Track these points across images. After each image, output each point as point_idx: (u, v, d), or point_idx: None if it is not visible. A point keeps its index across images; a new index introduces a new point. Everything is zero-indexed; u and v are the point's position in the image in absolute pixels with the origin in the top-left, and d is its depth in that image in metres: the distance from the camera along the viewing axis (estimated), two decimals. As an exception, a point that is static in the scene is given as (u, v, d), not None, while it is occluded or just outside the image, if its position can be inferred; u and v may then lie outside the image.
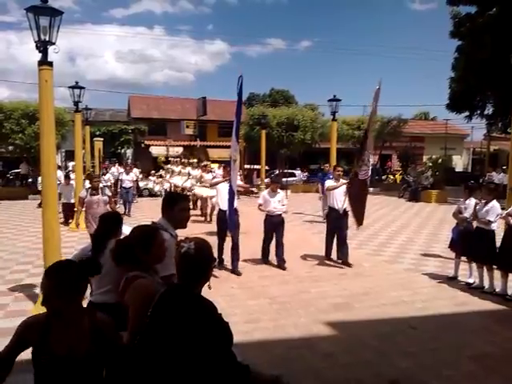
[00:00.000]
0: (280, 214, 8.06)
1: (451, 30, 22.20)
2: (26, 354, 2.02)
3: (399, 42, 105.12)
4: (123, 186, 15.53)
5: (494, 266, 6.64)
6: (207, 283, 2.12)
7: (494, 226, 6.60)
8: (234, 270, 7.65)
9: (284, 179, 24.42)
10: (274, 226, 8.04)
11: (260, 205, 8.20)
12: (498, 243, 6.61)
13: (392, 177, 31.45)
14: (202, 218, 13.71)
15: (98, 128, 29.24)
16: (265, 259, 8.31)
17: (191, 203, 18.59)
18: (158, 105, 35.45)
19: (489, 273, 6.68)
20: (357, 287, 6.94)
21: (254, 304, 6.12)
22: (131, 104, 35.13)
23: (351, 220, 8.14)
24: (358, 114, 32.01)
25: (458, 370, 4.27)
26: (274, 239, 8.16)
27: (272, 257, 8.27)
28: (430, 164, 23.32)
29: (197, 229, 10.50)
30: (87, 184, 12.57)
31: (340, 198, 8.17)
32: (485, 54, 19.07)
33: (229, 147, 33.00)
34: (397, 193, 21.85)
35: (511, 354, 4.63)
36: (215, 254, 6.39)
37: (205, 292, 6.60)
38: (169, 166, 20.02)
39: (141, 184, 20.91)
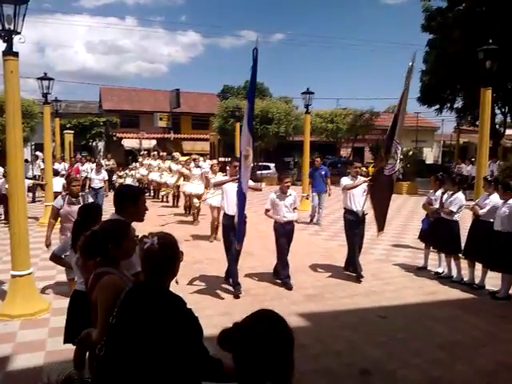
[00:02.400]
0: (291, 221, 6.68)
1: (422, 23, 22.56)
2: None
3: (372, 35, 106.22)
4: (92, 186, 13.23)
5: (461, 256, 6.84)
6: (174, 279, 2.09)
7: (456, 217, 6.79)
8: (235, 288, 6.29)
9: (259, 172, 24.49)
10: (286, 235, 6.63)
11: (267, 210, 6.74)
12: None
13: (365, 169, 31.87)
14: (188, 218, 12.57)
15: (69, 120, 28.58)
16: (277, 278, 6.83)
17: (152, 194, 18.02)
18: (131, 97, 34.90)
19: (456, 262, 6.87)
20: (329, 278, 7.03)
21: (227, 297, 6.14)
22: (103, 96, 34.45)
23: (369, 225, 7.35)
24: (331, 106, 32.22)
25: (426, 358, 4.39)
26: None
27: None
28: (401, 156, 23.68)
29: (186, 231, 10.41)
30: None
31: (359, 199, 6.97)
32: (454, 48, 19.46)
33: (202, 140, 32.48)
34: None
35: (478, 342, 4.79)
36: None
37: (181, 285, 6.56)
38: (146, 160, 18.70)
39: (114, 177, 20.30)
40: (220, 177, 11.91)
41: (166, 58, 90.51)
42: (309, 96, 14.76)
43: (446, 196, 6.98)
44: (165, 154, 18.16)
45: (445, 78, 21.83)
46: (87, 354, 3.25)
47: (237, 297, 6.09)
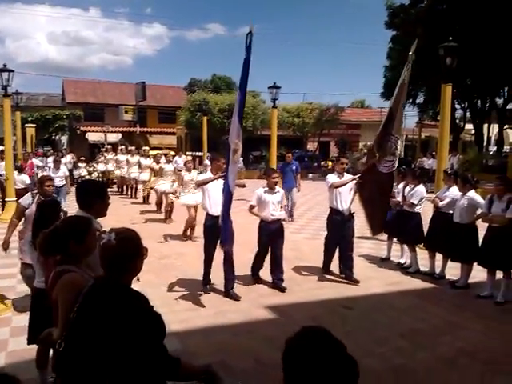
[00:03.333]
0: (279, 220, 6.26)
1: (386, 20, 22.99)
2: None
3: (338, 32, 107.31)
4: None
5: (422, 246, 7.08)
6: (136, 276, 2.07)
7: (417, 209, 7.02)
8: (229, 293, 5.91)
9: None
10: (272, 235, 6.19)
11: (252, 207, 6.26)
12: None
13: (330, 163, 32.34)
14: (160, 216, 12.03)
15: (31, 113, 27.70)
16: (255, 277, 6.55)
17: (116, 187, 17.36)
18: (95, 89, 34.11)
19: (412, 254, 7.11)
20: (296, 271, 7.12)
21: (195, 292, 6.11)
22: (66, 88, 33.51)
23: (359, 225, 7.15)
24: (297, 101, 32.43)
25: (390, 346, 4.53)
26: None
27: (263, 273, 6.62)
28: (366, 151, 24.19)
29: (158, 228, 10.03)
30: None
31: (346, 197, 6.54)
32: (416, 45, 19.93)
33: (170, 134, 32.00)
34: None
35: (439, 330, 4.97)
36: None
37: (149, 281, 6.49)
38: (111, 155, 17.97)
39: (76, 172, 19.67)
40: (203, 175, 10.72)
41: (131, 50, 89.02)
42: (276, 90, 14.82)
43: (407, 189, 7.19)
44: (133, 148, 17.49)
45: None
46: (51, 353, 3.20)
47: (206, 293, 6.02)
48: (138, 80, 31.91)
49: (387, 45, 24.28)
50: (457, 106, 23.27)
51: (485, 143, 26.48)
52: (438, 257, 6.88)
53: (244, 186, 6.48)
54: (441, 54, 8.86)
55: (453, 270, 6.70)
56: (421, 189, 7.07)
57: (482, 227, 6.13)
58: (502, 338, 4.76)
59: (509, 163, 22.62)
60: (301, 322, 4.58)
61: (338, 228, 6.58)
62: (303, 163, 28.38)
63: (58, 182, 11.45)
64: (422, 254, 7.14)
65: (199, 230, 8.22)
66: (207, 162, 15.58)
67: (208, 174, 6.21)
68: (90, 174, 18.75)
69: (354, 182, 6.50)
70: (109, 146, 20.41)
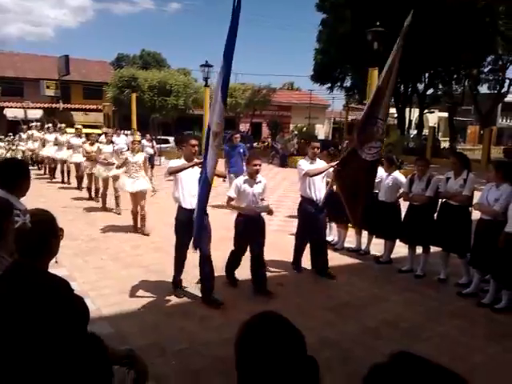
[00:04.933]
0: (259, 214, 5.54)
1: (317, 2, 23.33)
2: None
3: (272, 11, 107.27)
4: None
5: (350, 225, 7.39)
6: (54, 258, 1.98)
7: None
8: (209, 299, 5.02)
9: (157, 145, 23.87)
10: (251, 231, 5.38)
11: (230, 199, 5.42)
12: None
13: (262, 144, 32.67)
14: (97, 204, 10.73)
15: None
16: (231, 278, 5.77)
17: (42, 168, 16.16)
18: (13, 62, 31.70)
19: (343, 232, 7.41)
20: (227, 250, 7.15)
21: (126, 275, 5.98)
22: (-21, 60, 30.85)
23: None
24: (230, 81, 32.22)
25: (319, 320, 4.71)
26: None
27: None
28: (296, 132, 24.72)
29: (107, 221, 8.76)
30: None
31: (320, 186, 6.08)
32: (345, 29, 20.46)
33: (96, 110, 30.62)
34: (267, 159, 22.84)
35: (364, 302, 5.25)
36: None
37: (76, 265, 6.22)
38: (37, 132, 16.25)
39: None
40: (111, 147, 10.13)
41: (53, 21, 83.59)
42: (208, 69, 14.59)
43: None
44: (63, 125, 15.76)
45: (336, 57, 22.93)
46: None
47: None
48: (61, 53, 30.10)
49: (317, 28, 24.69)
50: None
51: (406, 126, 27.97)
52: (364, 234, 7.21)
53: (224, 176, 5.55)
54: (368, 39, 9.13)
55: (377, 247, 7.08)
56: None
57: (404, 206, 6.51)
58: (421, 308, 5.12)
59: (427, 145, 24.17)
60: (236, 302, 4.62)
61: (311, 219, 6.05)
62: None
63: None
64: (349, 232, 7.45)
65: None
66: (144, 142, 14.66)
67: (181, 161, 5.30)
68: (8, 151, 17.53)
69: (332, 169, 5.94)
70: (36, 124, 18.83)
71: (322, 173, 6.01)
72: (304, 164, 6.14)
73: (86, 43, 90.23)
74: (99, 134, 11.76)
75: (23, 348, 1.70)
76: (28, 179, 3.06)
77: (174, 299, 5.17)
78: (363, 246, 7.23)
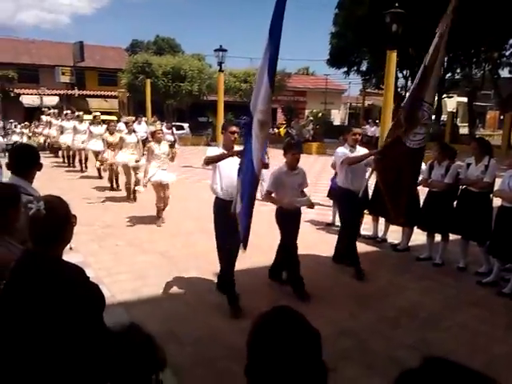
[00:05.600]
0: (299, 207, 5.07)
1: (333, -15, 22.85)
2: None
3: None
4: None
5: (366, 212, 7.27)
6: (69, 244, 1.94)
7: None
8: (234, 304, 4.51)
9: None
10: (289, 225, 4.96)
11: (269, 193, 4.99)
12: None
13: (277, 130, 32.47)
14: (118, 194, 10.40)
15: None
16: (277, 278, 5.28)
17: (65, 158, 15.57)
18: (29, 49, 31.91)
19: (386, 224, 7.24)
20: (250, 242, 7.10)
21: (141, 261, 5.99)
22: (-4, 47, 31.08)
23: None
24: (244, 66, 31.98)
25: (339, 309, 4.64)
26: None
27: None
28: (311, 118, 24.45)
29: (124, 212, 8.51)
30: None
31: (360, 176, 5.57)
32: (362, 11, 20.03)
33: (110, 97, 30.62)
34: (281, 146, 22.65)
35: (382, 291, 5.16)
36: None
37: (92, 251, 6.24)
38: (59, 121, 15.73)
39: (15, 138, 18.28)
40: (134, 137, 9.47)
41: (68, 8, 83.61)
42: (222, 53, 14.47)
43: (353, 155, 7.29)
44: (81, 113, 15.30)
45: (352, 41, 22.52)
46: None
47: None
48: (76, 40, 30.14)
49: (334, 11, 24.24)
50: (399, 74, 23.84)
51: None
52: (381, 220, 7.10)
53: (268, 166, 4.87)
54: (387, 21, 8.90)
55: (394, 234, 6.96)
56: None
57: (423, 192, 6.36)
58: (440, 297, 5.02)
59: (446, 131, 23.73)
60: (251, 287, 4.56)
61: (353, 211, 5.61)
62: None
63: None
64: (366, 219, 7.34)
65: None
66: (164, 129, 14.09)
67: (218, 149, 4.75)
68: (29, 138, 17.73)
69: (372, 157, 5.45)
70: (54, 111, 18.78)
71: (361, 161, 5.48)
72: (342, 152, 5.62)
73: (101, 30, 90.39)
74: (117, 121, 11.24)
75: (39, 338, 1.68)
76: (40, 166, 3.04)
77: (189, 286, 5.15)
78: (380, 234, 7.12)
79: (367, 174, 5.63)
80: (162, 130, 8.70)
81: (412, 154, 4.99)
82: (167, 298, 4.83)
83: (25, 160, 2.98)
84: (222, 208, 4.59)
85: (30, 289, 1.72)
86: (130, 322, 1.76)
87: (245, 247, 4.08)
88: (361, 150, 5.66)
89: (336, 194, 5.94)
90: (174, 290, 5.06)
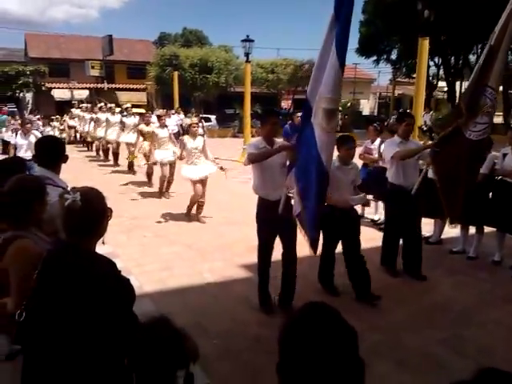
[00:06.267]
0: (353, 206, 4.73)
1: (362, -28, 22.38)
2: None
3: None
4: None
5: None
6: (101, 238, 1.91)
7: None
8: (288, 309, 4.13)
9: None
10: (344, 226, 4.53)
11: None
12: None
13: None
14: (150, 189, 10.15)
15: (-9, 69, 26.31)
16: (328, 287, 4.75)
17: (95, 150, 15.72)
18: (59, 43, 32.52)
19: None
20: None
21: (168, 252, 6.01)
22: (28, 42, 31.88)
23: None
24: (271, 57, 31.78)
25: (368, 304, 4.53)
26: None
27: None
28: (340, 108, 24.11)
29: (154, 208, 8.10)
30: None
31: (412, 171, 5.06)
32: (392, -2, 19.53)
33: (139, 90, 30.92)
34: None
35: (413, 285, 5.00)
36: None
37: (120, 242, 6.29)
38: (88, 114, 15.91)
39: (47, 131, 18.76)
40: (166, 132, 9.08)
41: (97, 2, 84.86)
42: (249, 44, 14.37)
43: (383, 145, 7.10)
44: (113, 105, 15.05)
45: (382, 29, 22.02)
46: None
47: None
48: (105, 34, 30.53)
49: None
50: (430, 62, 23.19)
51: (457, 100, 26.69)
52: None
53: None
54: (418, 8, 8.64)
55: (426, 226, 6.75)
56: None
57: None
58: (474, 291, 4.85)
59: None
60: (277, 281, 4.48)
61: (402, 211, 5.00)
62: (277, 121, 28.08)
63: (28, 152, 8.31)
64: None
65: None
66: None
67: (260, 142, 4.19)
68: (61, 132, 18.11)
69: (427, 150, 4.85)
70: (87, 105, 18.84)
71: (415, 154, 4.92)
72: (392, 144, 5.08)
73: (129, 23, 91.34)
74: (145, 113, 10.99)
75: (70, 329, 1.67)
76: (66, 158, 3.04)
77: (215, 278, 5.13)
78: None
79: (423, 169, 5.08)
80: (197, 123, 7.92)
81: (472, 147, 4.41)
82: (193, 290, 4.82)
83: (51, 152, 2.98)
84: (267, 210, 4.11)
85: (61, 281, 1.71)
86: (159, 315, 1.73)
87: (315, 251, 3.76)
88: (412, 143, 5.12)
89: (386, 191, 5.39)
90: (200, 281, 5.05)
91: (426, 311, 4.38)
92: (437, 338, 3.85)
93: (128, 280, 1.83)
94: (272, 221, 4.03)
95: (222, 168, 7.35)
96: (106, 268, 1.78)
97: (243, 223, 7.31)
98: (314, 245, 3.73)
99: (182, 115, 19.20)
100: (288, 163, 3.91)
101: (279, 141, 4.33)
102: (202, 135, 8.30)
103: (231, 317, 4.20)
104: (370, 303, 4.42)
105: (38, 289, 1.75)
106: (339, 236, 4.60)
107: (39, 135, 9.04)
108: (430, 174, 5.10)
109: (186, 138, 7.41)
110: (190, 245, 6.27)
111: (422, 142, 5.20)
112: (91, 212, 1.80)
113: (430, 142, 5.02)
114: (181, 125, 18.35)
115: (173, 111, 18.79)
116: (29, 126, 9.08)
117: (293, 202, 3.89)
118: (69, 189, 1.89)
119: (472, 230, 5.92)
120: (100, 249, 1.92)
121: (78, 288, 1.69)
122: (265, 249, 4.23)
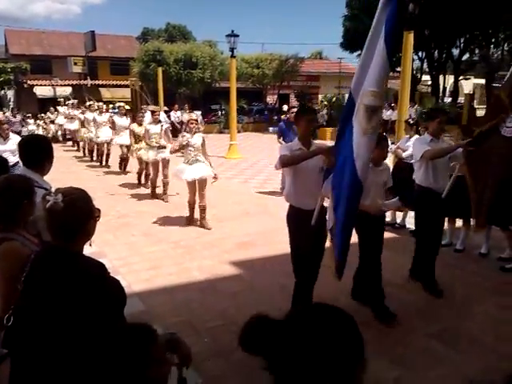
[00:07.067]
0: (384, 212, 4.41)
1: (345, -34, 22.36)
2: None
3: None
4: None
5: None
6: (89, 241, 1.86)
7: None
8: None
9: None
10: (373, 234, 4.13)
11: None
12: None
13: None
14: (140, 189, 9.90)
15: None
16: (361, 301, 4.38)
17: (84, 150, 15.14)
18: (41, 40, 31.97)
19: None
20: (260, 226, 7.03)
21: (156, 250, 5.95)
22: (8, 39, 31.30)
23: None
24: (256, 51, 31.60)
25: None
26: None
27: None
28: (326, 103, 24.13)
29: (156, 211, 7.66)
30: None
31: (443, 172, 4.56)
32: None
33: (123, 86, 30.53)
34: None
35: (404, 278, 4.98)
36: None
37: (107, 241, 6.19)
38: (78, 112, 15.31)
39: (31, 128, 18.34)
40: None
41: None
42: (234, 39, 14.26)
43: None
44: (101, 104, 14.46)
45: (367, 23, 22.03)
46: None
47: None
48: (88, 30, 30.08)
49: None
50: (414, 56, 23.32)
51: (440, 94, 26.92)
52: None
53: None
54: (403, 0, 8.63)
55: (413, 220, 6.78)
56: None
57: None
58: (462, 283, 4.88)
59: (463, 114, 23.20)
60: (268, 278, 4.47)
61: (433, 216, 4.58)
62: (263, 116, 28.03)
63: (11, 158, 6.20)
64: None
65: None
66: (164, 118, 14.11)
67: (295, 144, 3.78)
68: (44, 130, 17.81)
69: (461, 150, 4.30)
70: (73, 101, 18.16)
71: (448, 154, 4.43)
72: (421, 143, 4.59)
73: (112, 19, 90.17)
74: (152, 112, 10.32)
75: (58, 335, 1.63)
76: (51, 157, 2.93)
77: (203, 275, 5.09)
78: (399, 220, 6.96)
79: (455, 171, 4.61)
80: (197, 120, 7.34)
81: (505, 144, 3.96)
82: (182, 288, 4.77)
83: (36, 152, 2.87)
84: (300, 220, 3.67)
85: (48, 284, 1.66)
86: (143, 323, 1.65)
87: (340, 275, 3.33)
88: (440, 142, 4.59)
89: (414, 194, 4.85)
90: (189, 279, 5.01)
91: (416, 304, 4.40)
92: (429, 331, 3.86)
93: (118, 282, 1.78)
94: (305, 233, 3.60)
95: (215, 177, 6.81)
96: (95, 270, 1.73)
97: (231, 219, 7.30)
98: (339, 269, 3.33)
99: (178, 112, 19.08)
100: (325, 169, 3.46)
101: (317, 142, 3.99)
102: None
103: (222, 314, 4.16)
104: (387, 322, 4.04)
105: (25, 292, 1.70)
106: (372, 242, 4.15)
107: (18, 139, 8.28)
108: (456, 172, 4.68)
109: (186, 135, 6.91)
110: (178, 242, 6.22)
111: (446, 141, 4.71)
112: (74, 213, 1.74)
113: (462, 141, 4.42)
114: (178, 122, 18.26)
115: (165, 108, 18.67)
116: (5, 126, 7.24)
117: (327, 214, 3.47)
118: (52, 190, 1.83)
119: (459, 222, 5.96)
120: (87, 249, 1.87)
121: (65, 291, 1.64)
122: (301, 259, 3.86)
